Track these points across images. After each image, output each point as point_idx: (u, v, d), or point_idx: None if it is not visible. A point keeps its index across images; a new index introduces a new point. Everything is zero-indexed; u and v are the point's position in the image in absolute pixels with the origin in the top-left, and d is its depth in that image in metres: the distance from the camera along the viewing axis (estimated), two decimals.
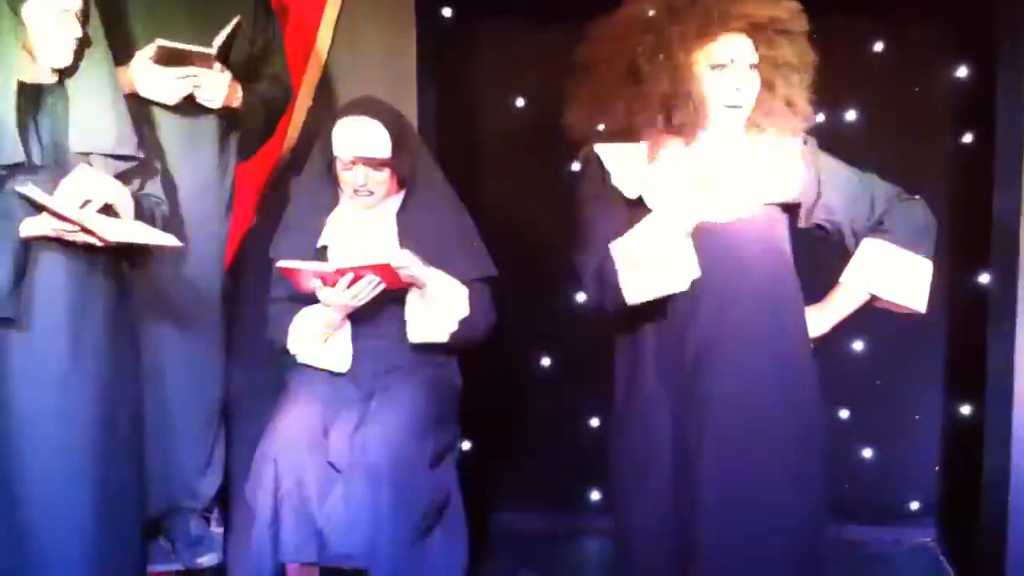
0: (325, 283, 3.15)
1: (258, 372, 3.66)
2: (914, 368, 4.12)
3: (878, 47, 4.02)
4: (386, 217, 3.32)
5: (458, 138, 4.14)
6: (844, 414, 4.09)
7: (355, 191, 3.26)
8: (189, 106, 3.31)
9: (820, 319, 2.91)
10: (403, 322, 3.29)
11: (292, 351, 3.33)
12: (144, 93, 3.25)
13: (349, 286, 3.15)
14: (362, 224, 3.32)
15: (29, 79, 2.97)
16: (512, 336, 3.71)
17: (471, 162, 4.18)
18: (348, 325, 3.28)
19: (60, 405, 2.97)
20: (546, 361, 4.30)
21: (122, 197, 3.01)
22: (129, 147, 3.04)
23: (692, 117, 2.73)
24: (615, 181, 2.81)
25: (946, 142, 4.04)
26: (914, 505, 4.18)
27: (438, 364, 3.37)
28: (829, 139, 2.94)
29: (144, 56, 3.22)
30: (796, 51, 2.78)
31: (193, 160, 3.37)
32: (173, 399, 3.43)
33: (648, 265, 2.70)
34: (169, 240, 3.02)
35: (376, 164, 3.24)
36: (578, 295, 4.03)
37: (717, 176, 2.73)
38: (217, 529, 3.60)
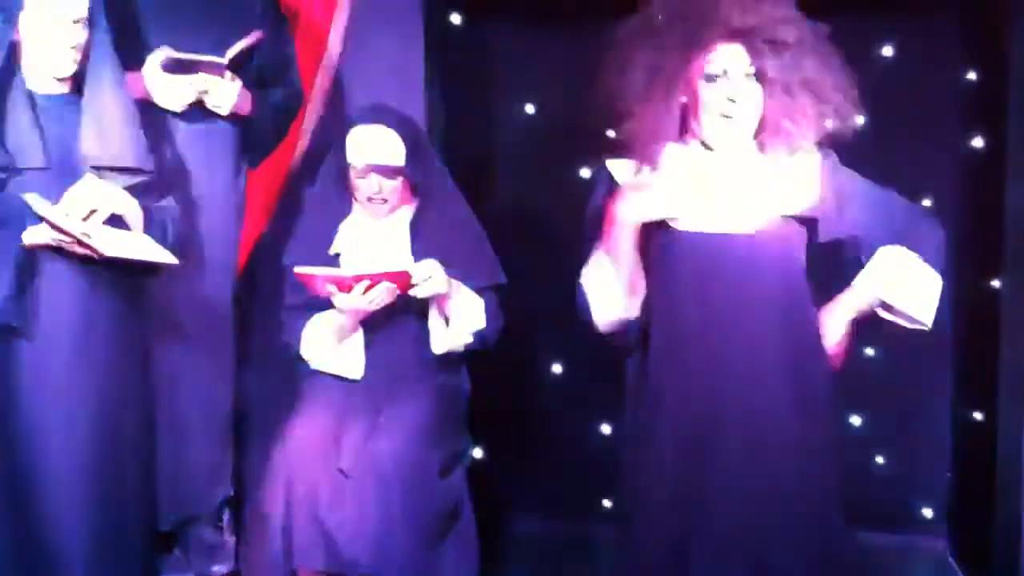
0: (340, 289, 3.16)
1: (270, 378, 3.66)
2: (926, 374, 4.10)
3: (887, 51, 4.01)
4: (399, 226, 3.34)
5: (467, 144, 4.14)
6: (856, 421, 4.08)
7: (369, 199, 3.28)
8: (202, 113, 3.32)
9: (829, 320, 2.88)
10: (414, 330, 3.30)
11: (306, 357, 3.34)
12: (154, 98, 3.26)
13: (364, 292, 3.16)
14: (375, 233, 3.33)
15: (38, 88, 2.98)
16: (523, 343, 3.71)
17: (481, 168, 4.19)
18: (361, 332, 3.29)
19: (66, 414, 2.97)
20: (557, 368, 4.30)
21: (130, 208, 3.00)
22: (137, 159, 3.04)
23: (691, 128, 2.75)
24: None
25: (956, 146, 4.02)
26: (927, 512, 4.16)
27: (449, 371, 3.38)
28: (836, 143, 2.92)
29: (154, 62, 3.23)
30: (786, 63, 2.71)
31: (207, 168, 3.38)
32: (184, 407, 3.43)
33: (607, 289, 2.78)
34: (167, 258, 3.00)
35: (390, 172, 3.25)
36: None
37: (725, 186, 2.74)
38: (229, 537, 3.60)
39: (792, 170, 2.79)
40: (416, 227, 3.34)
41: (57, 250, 2.92)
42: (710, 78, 2.72)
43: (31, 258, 2.92)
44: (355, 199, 3.32)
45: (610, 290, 2.81)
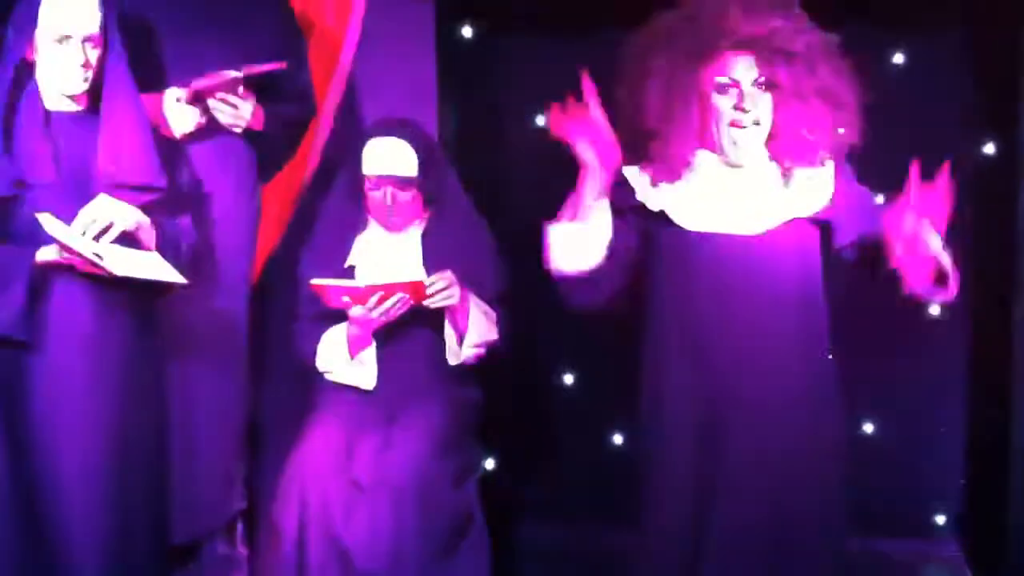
0: (355, 300, 3.17)
1: (283, 390, 3.66)
2: (938, 380, 4.10)
3: (898, 58, 4.01)
4: (412, 239, 3.35)
5: (479, 156, 4.14)
6: (869, 428, 4.07)
7: (383, 210, 3.29)
8: (217, 131, 3.32)
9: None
10: (427, 341, 3.32)
11: (320, 368, 3.34)
12: (170, 126, 3.26)
13: (379, 303, 3.16)
14: (390, 245, 3.35)
15: (53, 106, 2.99)
16: (535, 353, 3.71)
17: (491, 179, 4.19)
18: (374, 344, 3.29)
19: (78, 428, 2.97)
20: (569, 379, 4.30)
21: (143, 226, 3.00)
22: (151, 176, 3.04)
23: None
24: (640, 197, 2.86)
25: (967, 152, 4.01)
26: (940, 518, 4.15)
27: (461, 382, 3.39)
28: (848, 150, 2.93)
29: (173, 96, 3.23)
30: (798, 72, 2.74)
31: (222, 184, 3.38)
32: (197, 420, 3.43)
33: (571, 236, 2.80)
34: (178, 278, 3.00)
35: (402, 183, 3.26)
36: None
37: (738, 189, 2.75)
38: (243, 550, 3.60)
39: (805, 174, 2.82)
40: (428, 238, 3.35)
41: (69, 267, 2.93)
42: (720, 88, 2.77)
43: (44, 274, 2.93)
44: (369, 212, 3.34)
45: (574, 238, 2.82)
